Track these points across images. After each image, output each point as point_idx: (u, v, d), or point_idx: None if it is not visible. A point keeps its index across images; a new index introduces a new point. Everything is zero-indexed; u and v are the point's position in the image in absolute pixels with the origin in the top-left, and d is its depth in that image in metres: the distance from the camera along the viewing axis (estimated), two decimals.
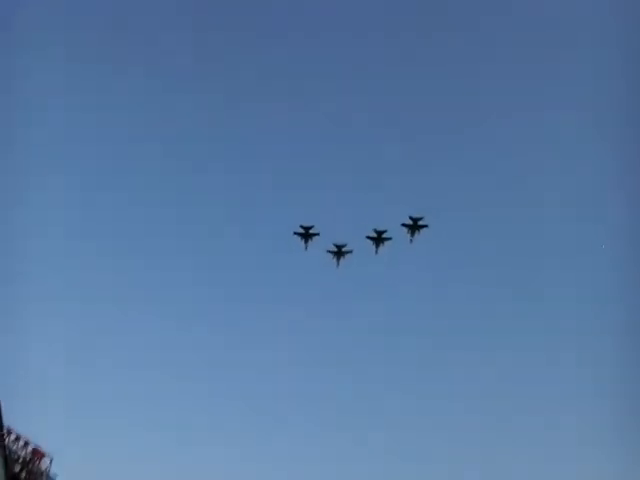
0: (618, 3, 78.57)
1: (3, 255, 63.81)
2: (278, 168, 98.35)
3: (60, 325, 70.78)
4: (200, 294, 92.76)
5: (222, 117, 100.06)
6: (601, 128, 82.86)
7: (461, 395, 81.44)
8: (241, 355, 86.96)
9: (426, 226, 50.82)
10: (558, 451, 68.39)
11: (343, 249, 52.01)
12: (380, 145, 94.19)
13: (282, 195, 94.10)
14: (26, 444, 37.35)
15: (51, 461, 38.43)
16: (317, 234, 52.01)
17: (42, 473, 37.79)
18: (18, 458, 36.55)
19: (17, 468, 36.10)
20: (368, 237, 51.30)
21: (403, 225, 50.60)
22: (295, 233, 52.18)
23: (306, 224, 51.91)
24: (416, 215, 50.52)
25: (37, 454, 37.90)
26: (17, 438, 36.86)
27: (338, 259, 52.51)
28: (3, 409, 33.70)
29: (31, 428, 38.55)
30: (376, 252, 51.79)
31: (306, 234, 51.93)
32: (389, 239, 51.35)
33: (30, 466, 37.17)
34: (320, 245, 52.71)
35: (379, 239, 51.12)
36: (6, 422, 34.81)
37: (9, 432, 35.60)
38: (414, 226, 50.57)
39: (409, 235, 51.07)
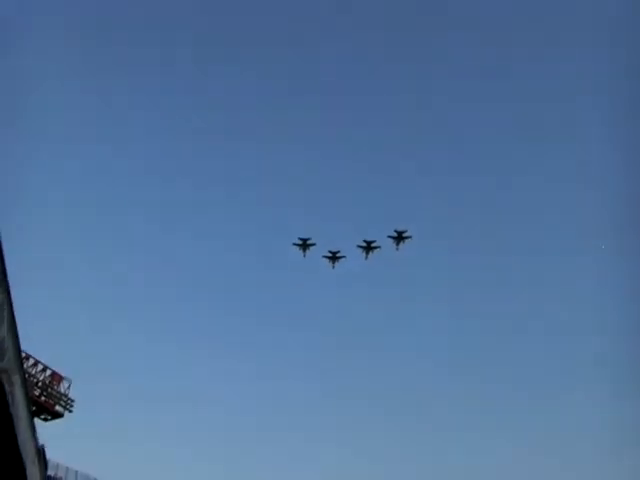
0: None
1: None
2: (278, 187, 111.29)
3: None
4: (212, 297, 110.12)
5: (222, 140, 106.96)
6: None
7: (461, 395, 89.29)
8: (243, 355, 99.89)
9: (410, 237, 57.30)
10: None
11: (337, 254, 58.31)
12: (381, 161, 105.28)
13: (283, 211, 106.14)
14: (45, 369, 36.82)
15: (69, 385, 38.14)
16: (314, 244, 58.05)
17: (62, 396, 37.56)
18: (37, 382, 36.08)
19: (37, 392, 35.71)
20: (359, 246, 57.47)
21: (389, 237, 57.22)
22: (294, 244, 58.20)
23: (304, 237, 57.94)
24: (401, 228, 57.23)
25: (56, 378, 37.52)
26: (35, 363, 36.28)
27: (333, 262, 58.75)
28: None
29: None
30: (366, 258, 58.06)
31: (304, 244, 57.84)
32: (378, 247, 57.64)
33: (49, 390, 36.85)
34: (316, 254, 59.02)
35: (368, 247, 57.35)
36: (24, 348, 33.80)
37: (27, 357, 34.69)
38: (399, 237, 57.03)
39: (395, 245, 57.63)
